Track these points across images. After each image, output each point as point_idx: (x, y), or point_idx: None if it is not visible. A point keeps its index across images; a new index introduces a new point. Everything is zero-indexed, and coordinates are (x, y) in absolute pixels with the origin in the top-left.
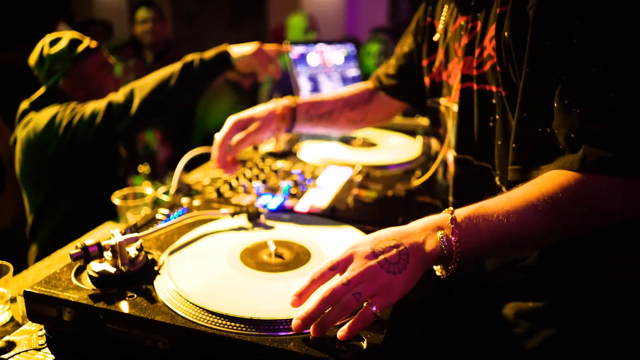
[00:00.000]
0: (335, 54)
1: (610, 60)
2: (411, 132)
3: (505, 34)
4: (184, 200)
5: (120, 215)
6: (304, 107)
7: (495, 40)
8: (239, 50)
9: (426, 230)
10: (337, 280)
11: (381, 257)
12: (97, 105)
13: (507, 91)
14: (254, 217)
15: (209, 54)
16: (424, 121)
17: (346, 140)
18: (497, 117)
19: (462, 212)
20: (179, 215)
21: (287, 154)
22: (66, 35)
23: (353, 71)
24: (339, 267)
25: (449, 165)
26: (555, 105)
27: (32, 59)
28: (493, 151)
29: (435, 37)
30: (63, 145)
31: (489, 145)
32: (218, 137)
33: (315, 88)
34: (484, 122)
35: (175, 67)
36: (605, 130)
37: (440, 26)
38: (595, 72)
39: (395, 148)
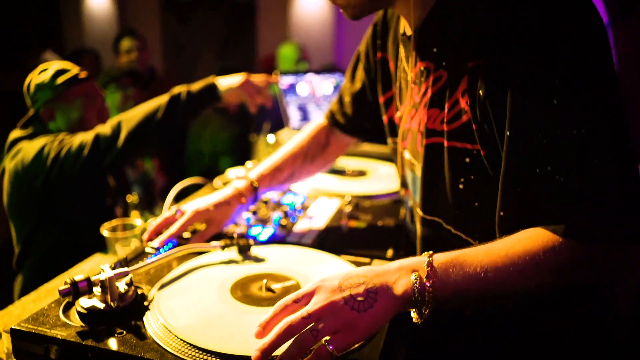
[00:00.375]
0: (325, 84)
1: (592, 122)
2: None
3: (480, 92)
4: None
5: (109, 247)
6: (264, 183)
7: (468, 97)
8: (226, 82)
9: (400, 270)
10: (297, 313)
11: (347, 293)
12: (85, 137)
13: (486, 150)
14: (244, 249)
15: (196, 86)
16: None
17: (336, 170)
18: (471, 177)
19: (440, 258)
20: (169, 248)
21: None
22: (55, 65)
23: None
24: (303, 300)
25: (415, 221)
26: (537, 171)
27: (24, 85)
28: (466, 215)
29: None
30: (51, 178)
31: (461, 208)
32: (174, 226)
33: (305, 117)
34: (455, 183)
35: (162, 100)
36: (589, 199)
37: (392, 65)
38: (577, 135)
39: (384, 177)
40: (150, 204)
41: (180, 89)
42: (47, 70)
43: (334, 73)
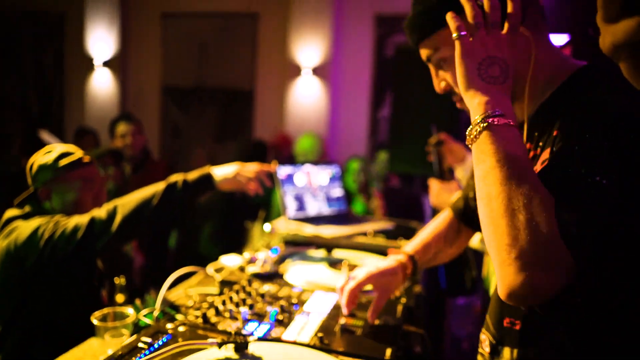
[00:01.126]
0: (321, 175)
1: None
2: None
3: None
4: (169, 325)
5: (98, 336)
6: (419, 256)
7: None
8: (222, 172)
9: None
10: None
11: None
12: (80, 220)
13: None
14: (241, 347)
15: (193, 175)
16: (405, 243)
17: (332, 263)
18: None
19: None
20: (163, 343)
21: (273, 275)
22: (59, 148)
23: (337, 191)
24: None
25: None
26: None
27: (28, 164)
28: None
29: None
30: (42, 259)
31: None
32: (347, 288)
33: (301, 207)
34: None
35: (158, 187)
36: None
37: None
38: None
39: None
40: (129, 287)
41: (177, 177)
42: (51, 152)
43: (331, 165)
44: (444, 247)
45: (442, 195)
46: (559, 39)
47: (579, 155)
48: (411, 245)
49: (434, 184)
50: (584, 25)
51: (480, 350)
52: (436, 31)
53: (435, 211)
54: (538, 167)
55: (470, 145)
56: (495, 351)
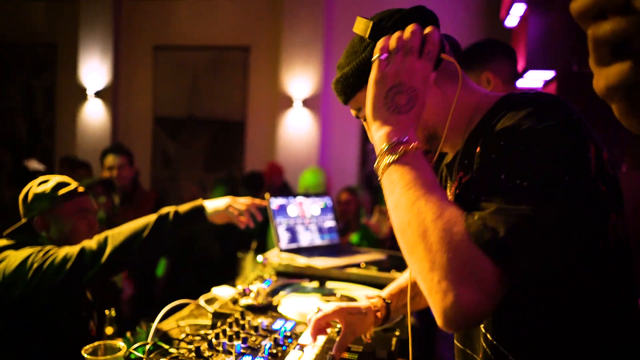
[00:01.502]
0: (313, 206)
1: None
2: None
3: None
4: None
5: None
6: (394, 300)
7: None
8: (213, 205)
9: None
10: None
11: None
12: (71, 250)
13: None
14: None
15: (184, 208)
16: (398, 275)
17: (326, 295)
18: None
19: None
20: None
21: (266, 308)
22: (55, 178)
23: (329, 222)
24: None
25: None
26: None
27: (21, 194)
28: None
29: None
30: (29, 288)
31: None
32: (313, 318)
33: (294, 239)
34: None
35: (150, 219)
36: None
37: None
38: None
39: None
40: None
41: (168, 209)
42: (47, 182)
43: (323, 197)
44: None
45: None
46: (545, 75)
47: (497, 163)
48: (387, 290)
49: None
50: (569, 62)
51: None
52: (357, 92)
53: None
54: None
55: (380, 179)
56: None
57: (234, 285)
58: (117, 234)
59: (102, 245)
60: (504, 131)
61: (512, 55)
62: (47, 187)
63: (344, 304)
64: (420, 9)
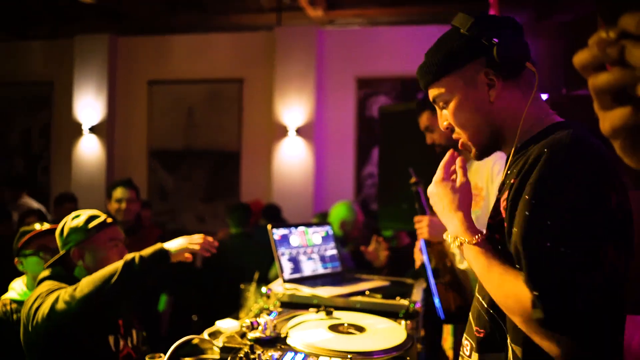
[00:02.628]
0: (314, 236)
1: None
2: (393, 314)
3: (515, 186)
4: None
5: None
6: None
7: (507, 204)
8: (173, 245)
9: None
10: None
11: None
12: (50, 297)
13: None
14: None
15: (147, 251)
16: (404, 302)
17: (333, 326)
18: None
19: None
20: None
21: (275, 340)
22: (87, 212)
23: (331, 251)
24: None
25: None
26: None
27: (57, 229)
28: None
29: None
30: (26, 331)
31: None
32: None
33: (297, 269)
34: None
35: (118, 265)
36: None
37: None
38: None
39: (384, 333)
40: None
41: (133, 255)
42: (80, 216)
43: (324, 225)
44: None
45: (435, 227)
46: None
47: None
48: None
49: (423, 219)
50: (559, 86)
51: (461, 353)
52: (441, 78)
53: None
54: (501, 202)
55: (454, 246)
56: (471, 355)
57: (236, 318)
58: (89, 281)
59: (74, 291)
60: (542, 182)
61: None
62: (80, 221)
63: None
64: (511, 19)
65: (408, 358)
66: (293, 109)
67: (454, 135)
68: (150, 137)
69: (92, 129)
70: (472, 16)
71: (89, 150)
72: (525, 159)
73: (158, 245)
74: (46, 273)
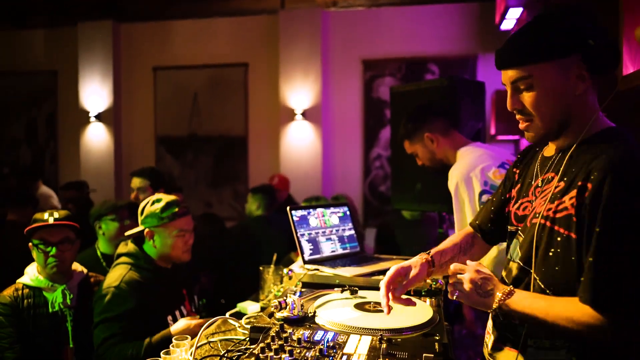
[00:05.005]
0: (332, 216)
1: None
2: (416, 292)
3: (587, 201)
4: None
5: None
6: (437, 257)
7: (576, 201)
8: (178, 328)
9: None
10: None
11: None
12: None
13: (578, 235)
14: None
15: (156, 337)
16: (427, 280)
17: (359, 305)
18: (558, 250)
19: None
20: None
21: (303, 319)
22: (165, 200)
23: (349, 231)
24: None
25: (511, 269)
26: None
27: (140, 208)
28: (548, 271)
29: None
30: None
31: (547, 267)
32: (382, 283)
33: (316, 250)
34: (548, 250)
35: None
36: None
37: (517, 177)
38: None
39: (408, 310)
40: None
41: (147, 340)
42: (159, 201)
43: (341, 206)
44: (459, 254)
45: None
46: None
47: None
48: (432, 250)
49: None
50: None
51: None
52: (538, 63)
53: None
54: (566, 200)
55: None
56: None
57: (256, 300)
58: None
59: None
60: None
61: (439, 112)
62: (157, 207)
63: (399, 265)
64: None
65: (438, 335)
66: (299, 92)
67: (518, 117)
68: (156, 124)
69: (99, 117)
70: (573, 10)
71: (96, 138)
72: (590, 164)
73: (167, 331)
74: (123, 249)
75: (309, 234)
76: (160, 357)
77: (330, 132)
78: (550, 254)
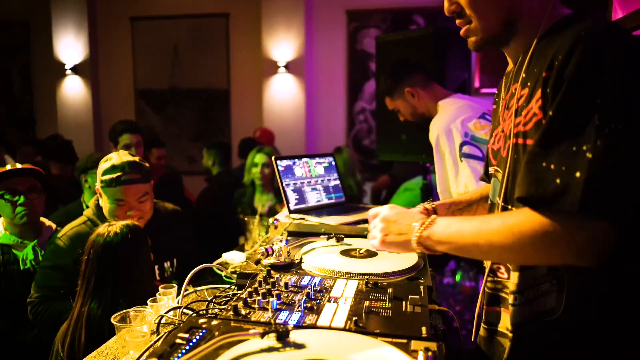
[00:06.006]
0: (317, 166)
1: (619, 126)
2: None
3: (548, 90)
4: (201, 320)
5: (119, 335)
6: (444, 205)
7: (541, 100)
8: None
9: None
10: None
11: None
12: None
13: None
14: (283, 336)
15: None
16: None
17: (345, 251)
18: None
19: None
20: (201, 337)
21: (289, 265)
22: (114, 160)
23: (334, 181)
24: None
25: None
26: (574, 148)
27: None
28: None
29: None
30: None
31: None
32: (370, 212)
33: (301, 199)
34: None
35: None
36: (584, 175)
37: (495, 99)
38: (614, 128)
39: (396, 257)
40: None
41: None
42: (108, 160)
43: (326, 157)
44: (479, 201)
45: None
46: None
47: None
48: (439, 201)
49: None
50: None
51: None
52: None
53: None
54: (532, 104)
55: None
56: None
57: (241, 250)
58: None
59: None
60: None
61: (418, 65)
62: (103, 167)
63: (393, 205)
64: None
65: (422, 279)
66: (282, 44)
67: (458, 22)
68: (136, 77)
69: (75, 70)
70: None
71: (73, 91)
72: (554, 50)
73: None
74: (93, 200)
75: (294, 183)
76: (147, 304)
77: (313, 85)
78: None
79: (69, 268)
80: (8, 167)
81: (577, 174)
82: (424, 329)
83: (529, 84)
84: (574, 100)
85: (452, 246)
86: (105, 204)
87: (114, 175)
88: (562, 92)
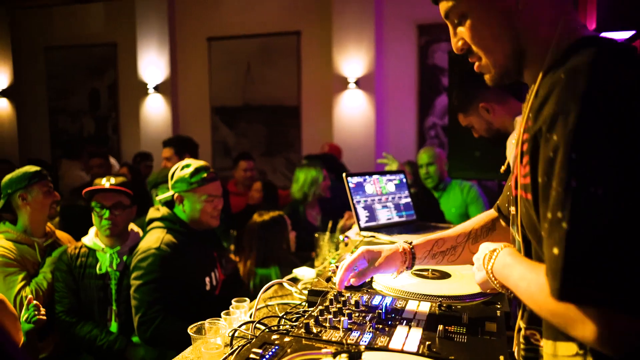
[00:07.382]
0: (388, 184)
1: (607, 184)
2: None
3: (530, 144)
4: (274, 337)
5: (194, 346)
6: (426, 247)
7: (527, 157)
8: None
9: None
10: None
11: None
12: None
13: (533, 196)
14: (355, 357)
15: None
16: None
17: (417, 272)
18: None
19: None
20: (274, 353)
21: (361, 285)
22: (194, 165)
23: (405, 199)
24: None
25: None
26: (549, 215)
27: (170, 171)
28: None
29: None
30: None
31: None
32: (345, 262)
33: (372, 217)
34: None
35: None
36: (587, 257)
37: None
38: (594, 192)
39: (468, 278)
40: None
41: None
42: (189, 166)
43: (397, 174)
44: (466, 243)
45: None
46: (621, 36)
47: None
48: (420, 240)
49: None
50: None
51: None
52: None
53: None
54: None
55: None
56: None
57: (311, 266)
58: None
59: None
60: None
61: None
62: (186, 172)
63: (366, 248)
64: None
65: (499, 304)
66: (352, 60)
67: (470, 59)
68: (211, 94)
69: (157, 88)
70: None
71: (155, 109)
72: (546, 92)
73: None
74: (156, 213)
75: (365, 201)
76: (220, 316)
77: (383, 101)
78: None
79: (174, 273)
80: (103, 180)
81: (555, 251)
82: (501, 358)
83: (529, 124)
84: (544, 159)
85: (508, 287)
86: (194, 205)
87: (204, 175)
88: (530, 147)
